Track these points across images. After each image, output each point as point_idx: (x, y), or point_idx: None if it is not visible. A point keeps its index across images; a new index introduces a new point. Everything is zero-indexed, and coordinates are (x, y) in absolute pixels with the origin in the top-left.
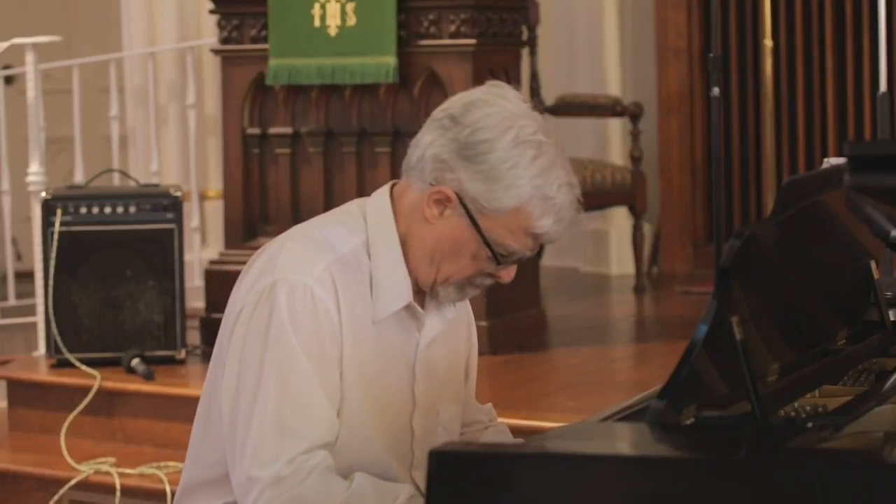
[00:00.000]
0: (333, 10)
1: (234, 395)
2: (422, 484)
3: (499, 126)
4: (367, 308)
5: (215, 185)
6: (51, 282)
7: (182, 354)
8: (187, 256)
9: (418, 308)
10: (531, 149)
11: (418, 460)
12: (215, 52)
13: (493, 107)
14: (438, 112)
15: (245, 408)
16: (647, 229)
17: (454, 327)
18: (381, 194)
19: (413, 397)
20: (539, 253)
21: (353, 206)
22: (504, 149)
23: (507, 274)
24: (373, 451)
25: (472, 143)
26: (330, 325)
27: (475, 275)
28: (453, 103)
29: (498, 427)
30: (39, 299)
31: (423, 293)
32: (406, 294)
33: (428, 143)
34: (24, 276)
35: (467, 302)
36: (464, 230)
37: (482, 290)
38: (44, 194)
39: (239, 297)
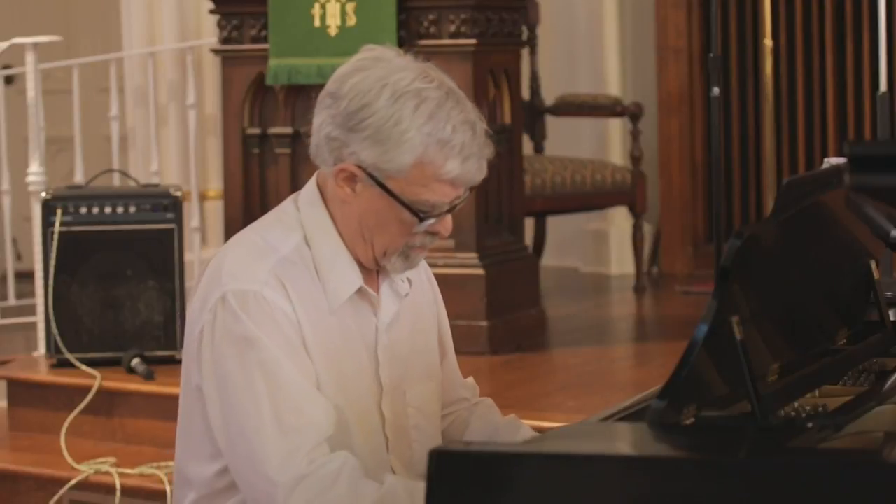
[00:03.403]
0: (333, 10)
1: (224, 417)
2: (400, 468)
3: (373, 87)
4: (322, 301)
5: (215, 185)
6: (51, 282)
7: (182, 354)
8: (187, 256)
9: (370, 291)
10: (411, 100)
11: (392, 444)
12: (215, 52)
13: (365, 71)
14: (321, 93)
15: (241, 423)
16: (647, 229)
17: (416, 305)
18: (310, 186)
19: (379, 382)
20: (539, 253)
21: (287, 203)
22: (383, 108)
23: (444, 227)
24: (348, 439)
25: (352, 112)
26: (289, 322)
27: (410, 238)
28: (332, 80)
29: (486, 403)
30: (39, 299)
31: (374, 275)
32: (355, 278)
33: (318, 126)
34: (24, 276)
35: (431, 278)
36: (380, 200)
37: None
38: (44, 194)
39: (194, 316)
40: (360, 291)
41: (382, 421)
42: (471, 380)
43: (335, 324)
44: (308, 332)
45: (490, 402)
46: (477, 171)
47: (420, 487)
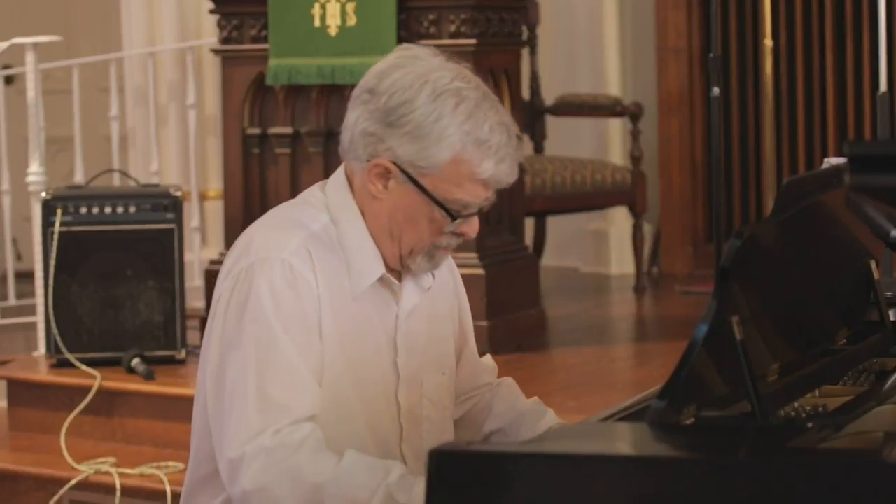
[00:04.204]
0: (333, 10)
1: (216, 379)
2: (411, 458)
3: (413, 84)
4: (344, 282)
5: (215, 185)
6: (51, 282)
7: (182, 354)
8: (187, 256)
9: (393, 280)
10: (451, 98)
11: (406, 433)
12: (215, 52)
13: (404, 68)
14: (356, 90)
15: (228, 389)
16: (647, 229)
17: (435, 297)
18: (339, 175)
19: (396, 370)
20: (539, 253)
21: (314, 189)
22: (424, 105)
23: (471, 228)
24: (352, 425)
25: (392, 107)
26: (310, 296)
27: (438, 238)
28: (368, 77)
29: (506, 383)
30: (39, 299)
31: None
32: (378, 266)
33: (353, 121)
34: (24, 276)
35: (453, 269)
36: (412, 196)
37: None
38: (44, 194)
39: (217, 288)
40: (382, 279)
41: (398, 409)
42: (488, 357)
43: (355, 308)
44: (327, 310)
45: (511, 381)
46: (509, 173)
47: (377, 463)
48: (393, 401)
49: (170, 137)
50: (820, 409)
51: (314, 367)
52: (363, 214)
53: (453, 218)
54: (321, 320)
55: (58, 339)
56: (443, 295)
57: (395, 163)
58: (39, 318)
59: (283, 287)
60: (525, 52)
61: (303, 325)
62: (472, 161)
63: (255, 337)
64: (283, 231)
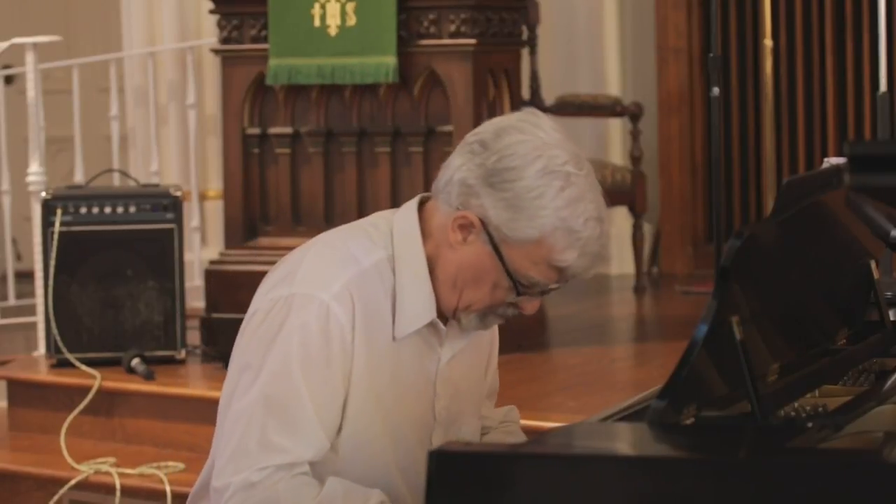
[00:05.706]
0: (333, 9)
1: (227, 400)
2: None
3: (528, 154)
4: (387, 324)
5: (215, 185)
6: (51, 282)
7: (182, 354)
8: (187, 256)
9: (441, 325)
10: (558, 179)
11: None
12: (215, 52)
13: (525, 134)
14: (471, 136)
15: (232, 416)
16: (647, 229)
17: (474, 344)
18: (409, 209)
19: (433, 414)
20: None
21: (379, 218)
22: (531, 178)
23: (531, 306)
24: (382, 467)
25: (499, 169)
26: (342, 344)
27: (497, 304)
28: (486, 128)
29: (507, 429)
30: (39, 299)
31: None
32: (430, 311)
33: (457, 166)
34: (24, 276)
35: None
36: (486, 258)
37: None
38: (44, 194)
39: (255, 301)
40: (429, 324)
41: None
42: (511, 407)
43: (395, 350)
44: (360, 356)
45: (515, 429)
46: (587, 268)
47: (357, 490)
48: (426, 443)
49: (170, 137)
50: (820, 409)
51: (327, 418)
52: (433, 257)
53: (518, 293)
54: (352, 366)
55: (58, 339)
56: (481, 343)
57: (482, 220)
58: (39, 318)
59: (316, 331)
60: (525, 52)
61: (326, 373)
62: (555, 247)
63: (274, 374)
64: (332, 267)
